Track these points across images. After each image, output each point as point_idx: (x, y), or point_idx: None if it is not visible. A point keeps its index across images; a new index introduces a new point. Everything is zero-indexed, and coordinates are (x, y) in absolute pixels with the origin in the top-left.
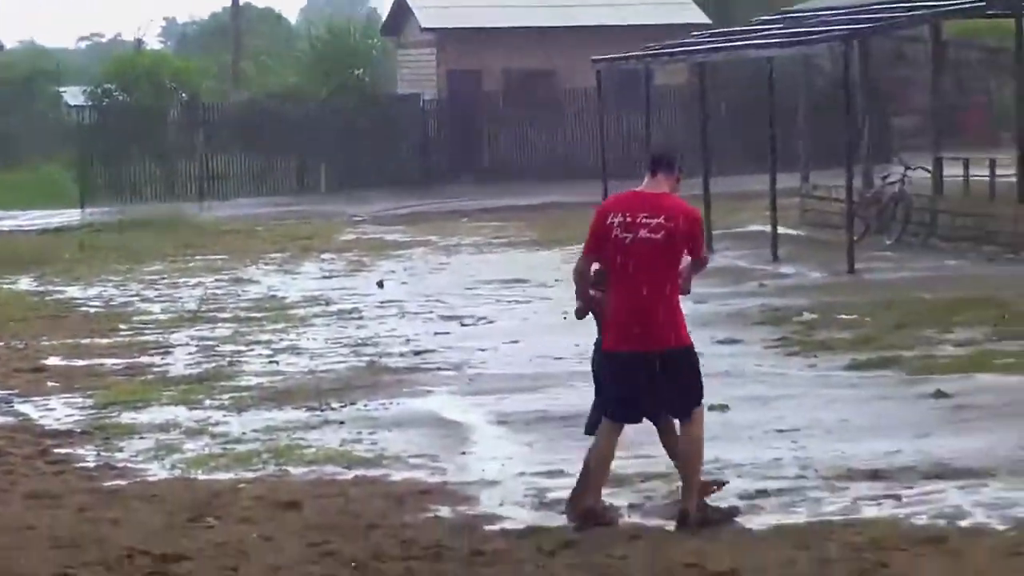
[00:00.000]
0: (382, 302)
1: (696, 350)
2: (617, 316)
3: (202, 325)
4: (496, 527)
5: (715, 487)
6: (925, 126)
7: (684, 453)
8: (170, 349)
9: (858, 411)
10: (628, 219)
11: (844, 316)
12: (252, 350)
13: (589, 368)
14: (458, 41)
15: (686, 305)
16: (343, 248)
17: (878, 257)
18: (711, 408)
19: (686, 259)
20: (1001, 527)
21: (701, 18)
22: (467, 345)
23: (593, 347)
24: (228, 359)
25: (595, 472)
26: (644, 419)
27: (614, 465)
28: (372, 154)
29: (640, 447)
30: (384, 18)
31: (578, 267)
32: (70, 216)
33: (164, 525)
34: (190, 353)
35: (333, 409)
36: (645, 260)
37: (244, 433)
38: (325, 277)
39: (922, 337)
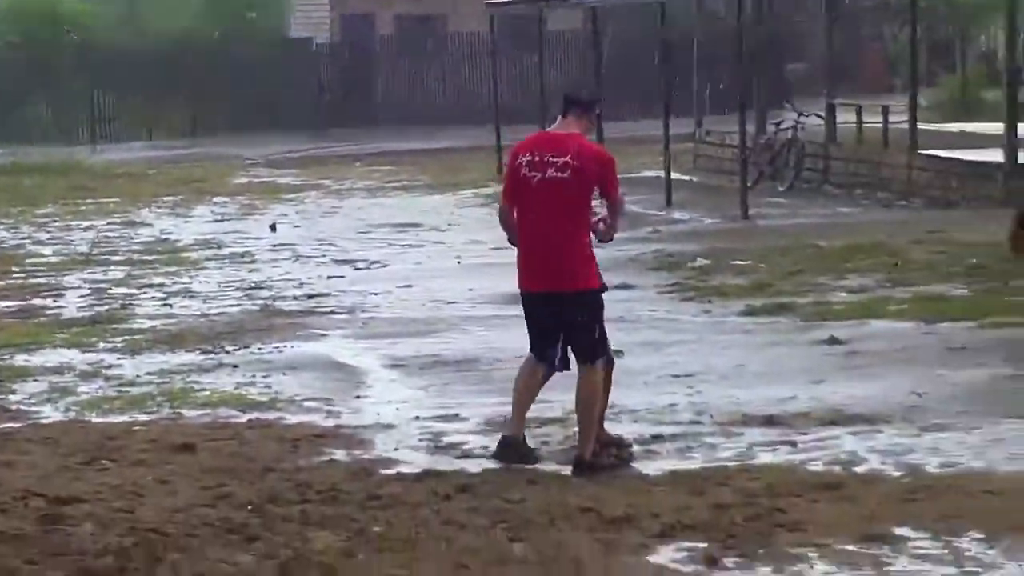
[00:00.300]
0: (275, 245)
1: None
2: (525, 256)
3: (95, 268)
4: (392, 471)
5: (617, 451)
6: (818, 71)
7: (580, 398)
8: (63, 292)
9: (753, 357)
10: (535, 159)
11: (738, 262)
12: (145, 293)
13: (483, 313)
14: None
15: None
16: (236, 191)
17: (772, 203)
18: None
19: (602, 209)
20: (896, 473)
21: None
22: (360, 289)
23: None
24: (121, 302)
25: (515, 402)
26: (555, 360)
27: (509, 409)
28: (265, 97)
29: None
30: None
31: (501, 215)
32: None
33: (58, 467)
34: (83, 296)
35: (227, 352)
36: (551, 199)
37: (138, 376)
38: (217, 220)
39: (816, 284)
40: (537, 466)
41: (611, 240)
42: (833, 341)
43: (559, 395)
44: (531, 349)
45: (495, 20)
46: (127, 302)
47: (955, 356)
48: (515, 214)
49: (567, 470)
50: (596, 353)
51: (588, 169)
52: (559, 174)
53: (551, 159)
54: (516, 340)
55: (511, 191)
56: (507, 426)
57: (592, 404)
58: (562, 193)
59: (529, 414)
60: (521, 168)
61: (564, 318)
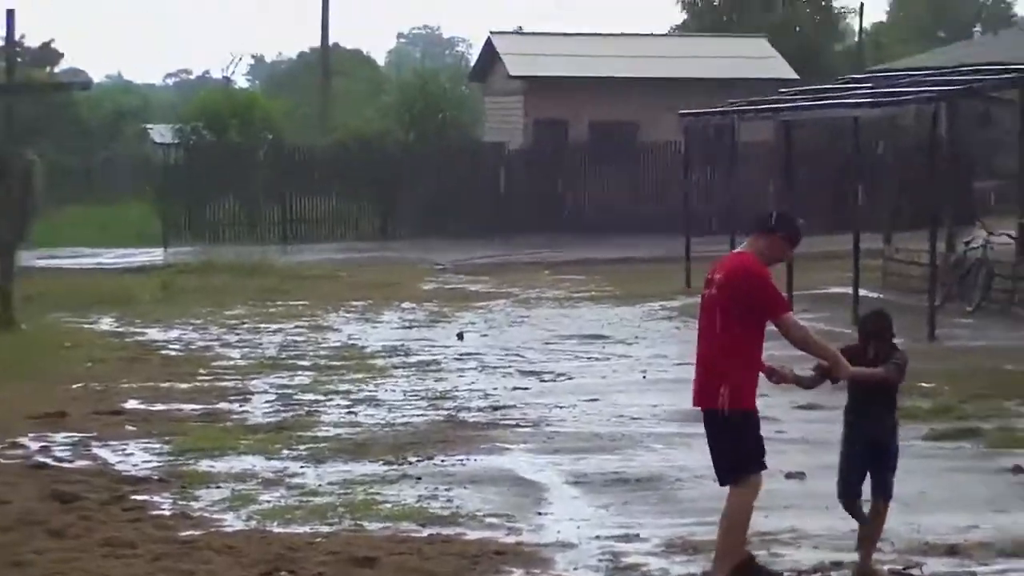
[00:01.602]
0: (462, 354)
1: (755, 417)
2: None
3: (282, 372)
4: None
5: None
6: (1009, 189)
7: (722, 518)
8: (249, 396)
9: (935, 483)
10: (709, 276)
11: (923, 384)
12: (331, 400)
13: (666, 430)
14: (545, 90)
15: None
16: (424, 297)
17: (959, 324)
18: (788, 476)
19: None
20: None
21: (788, 73)
22: (545, 402)
23: None
24: (307, 408)
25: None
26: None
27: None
28: (456, 201)
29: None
30: (472, 63)
31: None
32: (153, 255)
33: None
34: (269, 401)
35: (410, 463)
36: (706, 316)
37: (321, 485)
38: (405, 327)
39: (1002, 409)
40: None
41: (838, 380)
42: (1018, 470)
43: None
44: None
45: (688, 130)
46: (312, 408)
47: None
48: None
49: None
50: (737, 473)
51: (735, 286)
52: (713, 291)
53: (714, 276)
54: (699, 459)
55: None
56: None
57: (732, 524)
58: (713, 310)
59: (707, 537)
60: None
61: (712, 434)
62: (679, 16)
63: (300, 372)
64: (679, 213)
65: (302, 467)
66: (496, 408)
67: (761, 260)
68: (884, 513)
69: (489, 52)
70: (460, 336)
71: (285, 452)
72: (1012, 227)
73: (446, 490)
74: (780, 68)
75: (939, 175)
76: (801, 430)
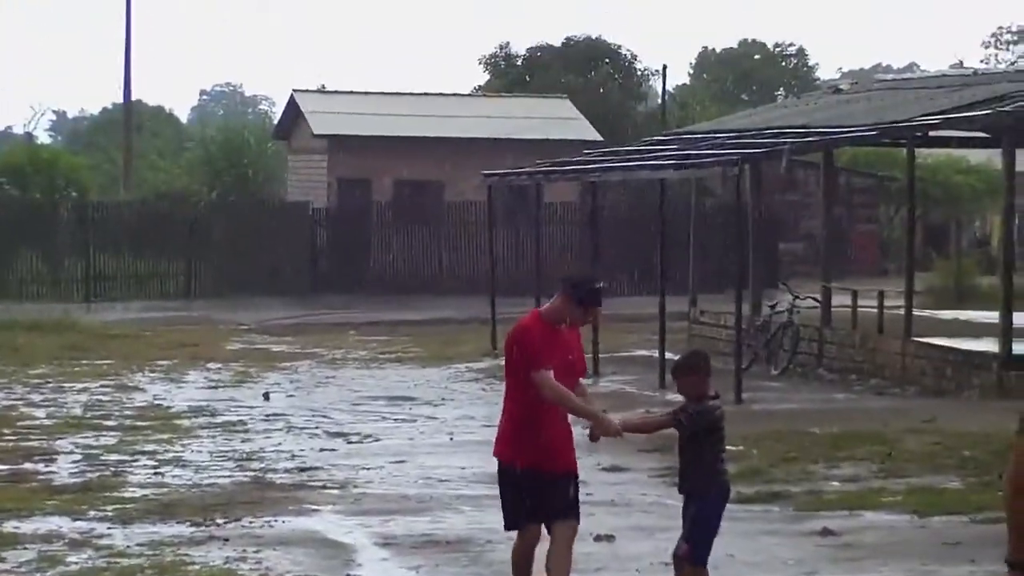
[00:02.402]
0: (268, 415)
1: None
2: None
3: (87, 432)
4: None
5: None
6: (813, 252)
7: None
8: (55, 456)
9: (744, 546)
10: None
11: (731, 447)
12: (137, 460)
13: (475, 492)
14: (349, 149)
15: (576, 430)
16: (230, 357)
17: (765, 387)
18: (597, 538)
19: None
20: None
21: (593, 135)
22: (353, 463)
23: None
24: (113, 469)
25: None
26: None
27: None
28: (261, 261)
29: None
30: (276, 121)
31: None
32: None
33: None
34: (75, 461)
35: (217, 525)
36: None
37: (128, 547)
38: (211, 387)
39: (809, 472)
40: None
41: (598, 437)
42: (826, 532)
43: None
44: None
45: (492, 190)
46: (119, 469)
47: (949, 551)
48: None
49: None
50: None
51: (509, 346)
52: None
53: None
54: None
55: None
56: None
57: None
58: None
59: None
60: None
61: None
62: (482, 76)
63: (106, 432)
64: (485, 273)
65: (109, 528)
66: (303, 469)
67: (545, 318)
68: None
69: (293, 110)
70: (266, 396)
71: (92, 513)
72: (817, 290)
73: (255, 552)
74: (584, 129)
75: (744, 237)
76: (608, 492)
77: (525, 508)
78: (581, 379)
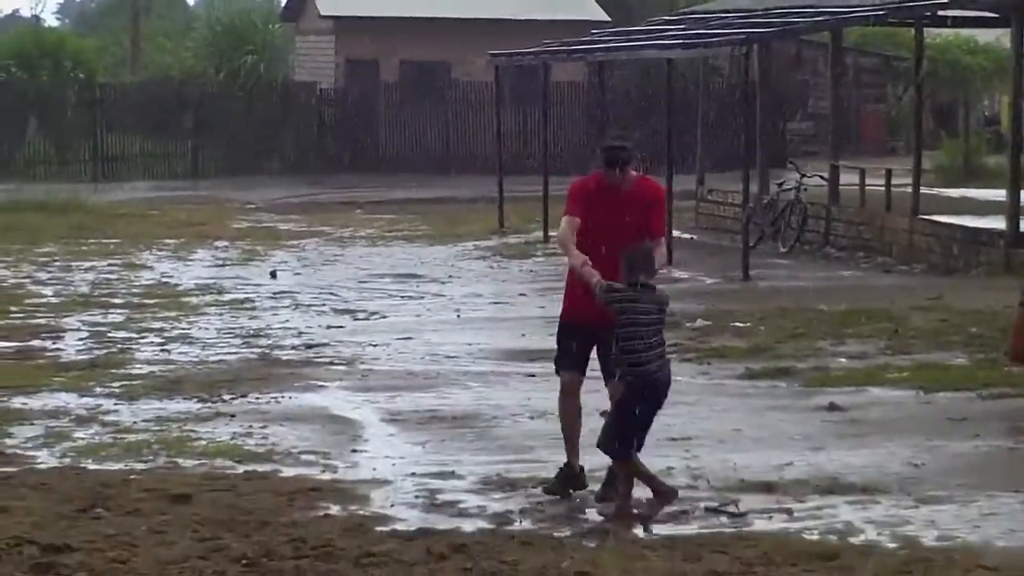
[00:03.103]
0: (275, 293)
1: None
2: None
3: (94, 310)
4: (386, 528)
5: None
6: (821, 131)
7: None
8: (62, 334)
9: (751, 421)
10: None
11: (738, 324)
12: (144, 337)
13: (481, 368)
14: (356, 30)
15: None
16: (237, 236)
17: (773, 264)
18: (603, 414)
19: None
20: (891, 545)
21: (600, 15)
22: (360, 340)
23: None
24: (120, 346)
25: None
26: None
27: (505, 468)
28: (268, 141)
29: (532, 451)
30: (283, 3)
31: None
32: None
33: (53, 515)
34: (82, 338)
35: (224, 401)
36: None
37: (135, 423)
38: (218, 265)
39: (816, 348)
40: (531, 528)
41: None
42: (832, 408)
43: (550, 454)
44: None
45: (499, 70)
46: (126, 346)
47: (954, 427)
48: None
49: (561, 533)
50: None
51: None
52: None
53: None
54: (514, 397)
55: None
56: None
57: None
58: None
59: (524, 475)
60: None
61: None
62: None
63: (113, 310)
64: (493, 153)
65: (116, 404)
66: (310, 346)
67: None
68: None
69: None
70: (273, 274)
71: (99, 389)
72: (825, 169)
73: (261, 427)
74: (592, 9)
75: (752, 117)
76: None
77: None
78: (662, 239)
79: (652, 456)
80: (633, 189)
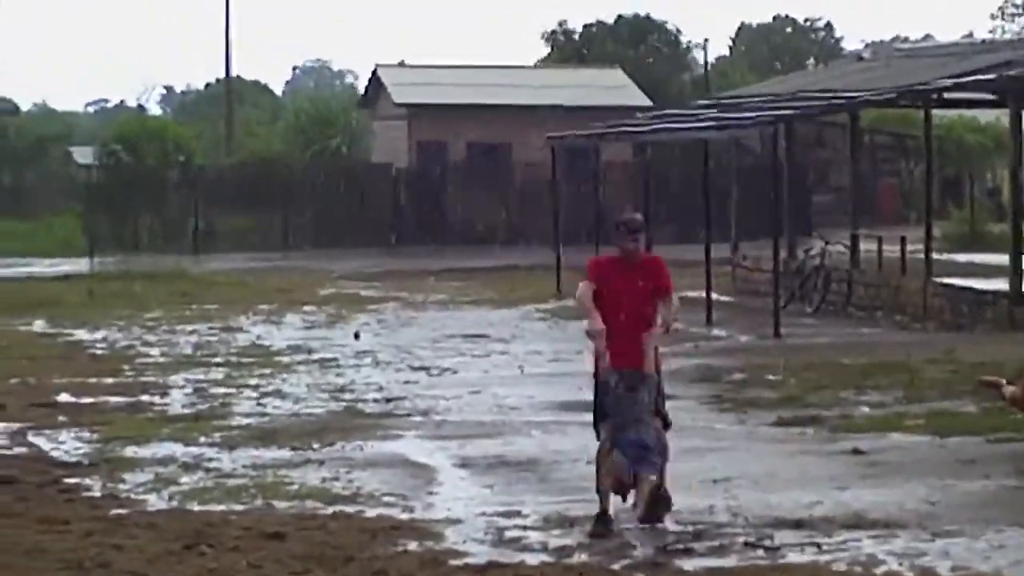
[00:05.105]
0: (358, 352)
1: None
2: None
3: (197, 369)
4: (459, 562)
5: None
6: (842, 203)
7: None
8: (168, 390)
9: (784, 464)
10: None
11: (771, 377)
12: (242, 393)
13: (542, 418)
14: (426, 116)
15: None
16: (323, 301)
17: (801, 323)
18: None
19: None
20: (910, 574)
21: (643, 101)
22: (433, 393)
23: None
24: (220, 401)
25: None
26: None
27: (565, 507)
28: (348, 217)
29: (589, 492)
30: (361, 93)
31: None
32: (79, 265)
33: (163, 552)
34: (186, 394)
35: (314, 449)
36: None
37: (234, 469)
38: (307, 327)
39: (840, 398)
40: (588, 560)
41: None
42: (856, 452)
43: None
44: None
45: (555, 151)
46: (225, 401)
47: (965, 468)
48: None
49: (615, 565)
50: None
51: None
52: None
53: None
54: (572, 444)
55: None
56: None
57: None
58: None
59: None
60: None
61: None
62: (543, 50)
63: (214, 368)
64: (550, 225)
65: (217, 453)
66: (389, 400)
67: (616, 253)
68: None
69: (376, 82)
70: (356, 336)
71: (202, 439)
72: (846, 237)
73: (347, 473)
74: (635, 96)
75: (780, 190)
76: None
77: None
78: (666, 298)
79: (696, 496)
80: (643, 260)
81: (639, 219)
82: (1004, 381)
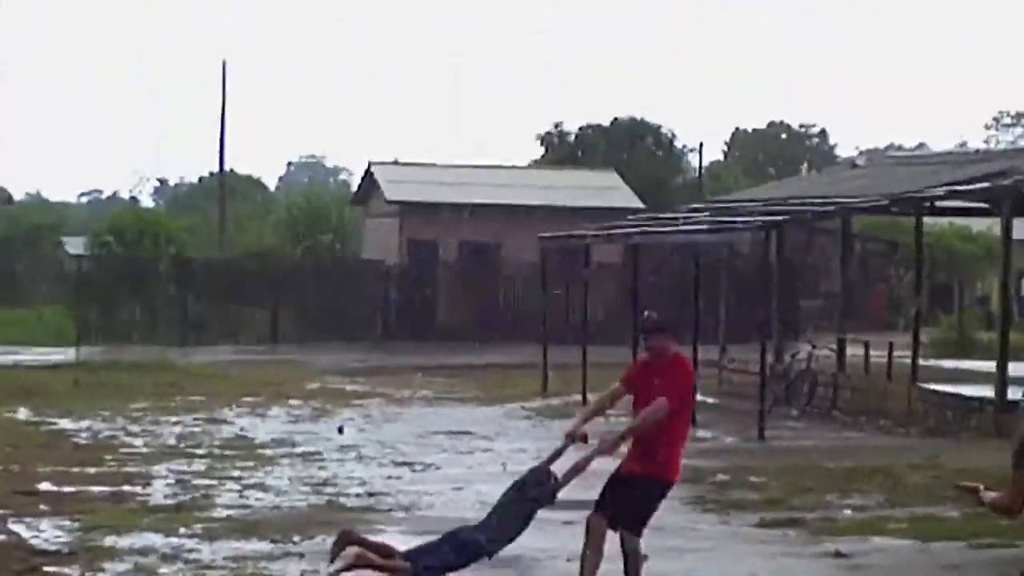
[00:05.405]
0: (342, 446)
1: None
2: None
3: (180, 460)
4: None
5: None
6: (830, 308)
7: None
8: (151, 480)
9: (765, 566)
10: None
11: (754, 479)
12: (224, 484)
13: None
14: (418, 213)
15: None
16: (309, 395)
17: (785, 426)
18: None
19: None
20: None
21: (635, 202)
22: (416, 489)
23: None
24: (202, 492)
25: None
26: None
27: None
28: (338, 311)
29: None
30: (354, 189)
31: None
32: (67, 354)
33: None
34: (168, 484)
35: (294, 542)
36: None
37: (214, 560)
38: (292, 421)
39: (823, 501)
40: None
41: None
42: (838, 554)
43: None
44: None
45: (545, 251)
46: (207, 492)
47: (947, 573)
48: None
49: None
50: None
51: None
52: None
53: None
54: (552, 541)
55: None
56: None
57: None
58: None
59: None
60: None
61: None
62: (538, 150)
63: (197, 459)
64: (538, 325)
65: (198, 544)
66: (372, 494)
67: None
68: None
69: (369, 179)
70: (340, 430)
71: (182, 530)
72: (833, 342)
73: (327, 566)
74: (628, 198)
75: (769, 294)
76: None
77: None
78: (660, 398)
79: None
80: (670, 360)
81: (654, 318)
82: (982, 486)
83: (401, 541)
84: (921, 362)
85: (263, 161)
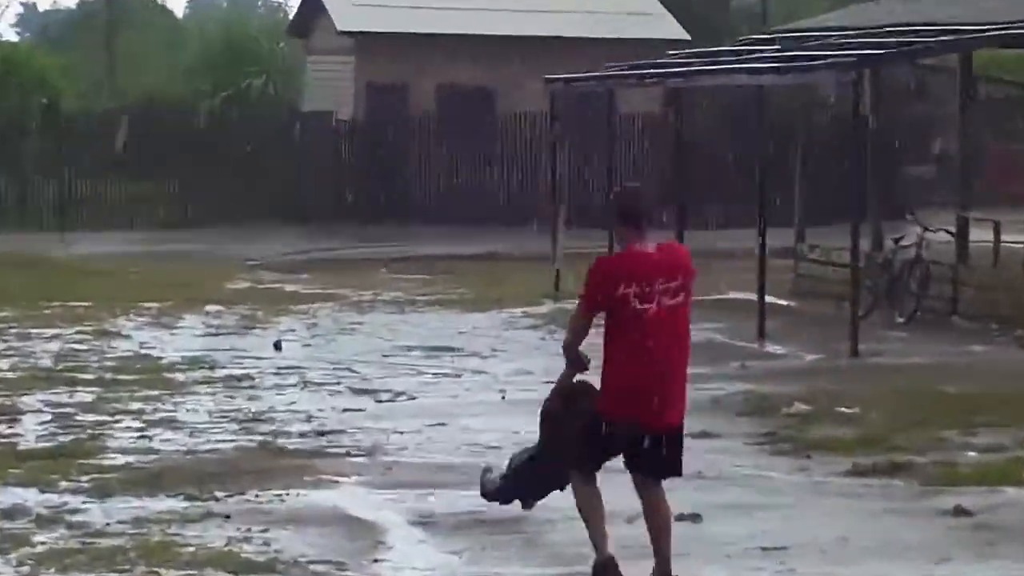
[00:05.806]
0: (280, 368)
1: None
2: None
3: (59, 387)
4: None
5: None
6: (947, 176)
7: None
8: (19, 416)
9: (860, 528)
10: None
11: (845, 409)
12: (119, 421)
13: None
14: (381, 49)
15: None
16: (234, 299)
17: (888, 338)
18: (680, 518)
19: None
20: None
21: (679, 33)
22: (383, 426)
23: None
24: (90, 431)
25: None
26: None
27: None
28: (273, 184)
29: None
30: (292, 16)
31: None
32: None
33: None
34: (43, 422)
35: (216, 499)
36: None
37: (108, 524)
38: (211, 334)
39: (939, 439)
40: None
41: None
42: (959, 512)
43: None
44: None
45: (555, 99)
46: (97, 432)
47: None
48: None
49: None
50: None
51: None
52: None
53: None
54: (570, 496)
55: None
56: None
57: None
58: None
59: None
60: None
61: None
62: None
63: (82, 387)
64: (546, 201)
65: (85, 502)
66: (322, 433)
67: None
68: None
69: (312, 2)
70: (277, 346)
71: (64, 484)
72: (951, 222)
73: (261, 531)
74: (668, 27)
75: (863, 158)
76: (695, 462)
77: None
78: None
79: (740, 569)
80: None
81: (638, 195)
82: None
83: (362, 497)
84: None
85: None
